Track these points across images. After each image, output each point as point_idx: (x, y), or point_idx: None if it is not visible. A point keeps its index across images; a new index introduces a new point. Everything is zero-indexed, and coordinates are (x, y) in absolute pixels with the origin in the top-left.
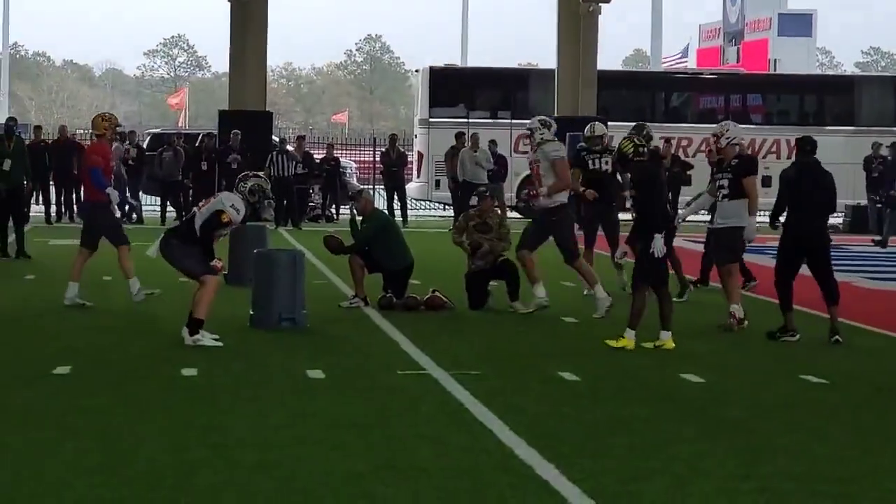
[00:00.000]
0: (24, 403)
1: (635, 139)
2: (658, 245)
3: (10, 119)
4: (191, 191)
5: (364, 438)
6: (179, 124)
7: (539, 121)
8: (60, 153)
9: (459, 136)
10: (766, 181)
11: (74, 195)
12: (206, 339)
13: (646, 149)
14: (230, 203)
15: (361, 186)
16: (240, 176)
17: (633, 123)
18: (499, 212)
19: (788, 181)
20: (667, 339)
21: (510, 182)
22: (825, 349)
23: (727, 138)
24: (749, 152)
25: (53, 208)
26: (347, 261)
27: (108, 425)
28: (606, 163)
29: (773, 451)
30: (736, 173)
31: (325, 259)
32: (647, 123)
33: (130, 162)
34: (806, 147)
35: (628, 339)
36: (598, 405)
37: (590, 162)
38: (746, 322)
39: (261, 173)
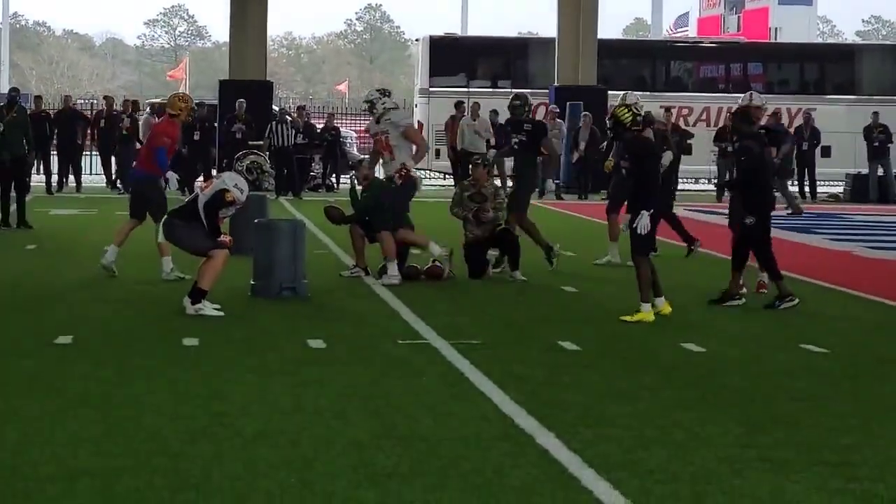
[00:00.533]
0: (25, 373)
1: (633, 108)
2: (643, 222)
3: (13, 89)
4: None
5: (364, 407)
6: None
7: (378, 90)
8: (64, 123)
9: (459, 105)
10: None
11: (92, 163)
12: (208, 308)
13: (641, 118)
14: (233, 183)
15: (362, 156)
16: (237, 155)
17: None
18: (497, 182)
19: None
20: (662, 306)
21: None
22: (826, 319)
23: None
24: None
25: (55, 178)
26: (348, 231)
27: (109, 394)
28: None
29: (773, 419)
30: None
31: (325, 229)
32: (636, 93)
33: (125, 132)
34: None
35: (645, 313)
36: (599, 374)
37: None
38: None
39: (257, 150)
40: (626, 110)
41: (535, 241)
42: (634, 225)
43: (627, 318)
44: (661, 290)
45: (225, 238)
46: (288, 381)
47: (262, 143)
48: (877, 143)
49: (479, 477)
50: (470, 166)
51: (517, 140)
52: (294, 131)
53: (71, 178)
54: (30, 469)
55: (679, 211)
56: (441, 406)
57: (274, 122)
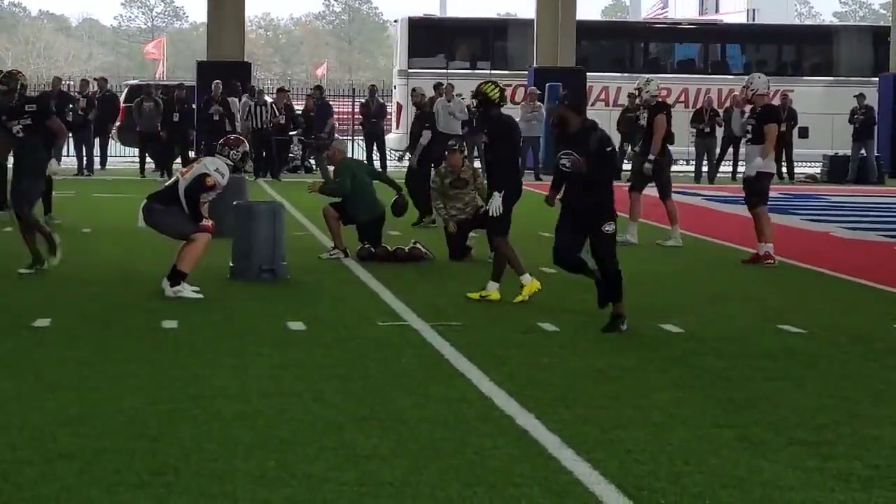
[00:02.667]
0: (3, 355)
1: (500, 84)
2: (495, 204)
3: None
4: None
5: (344, 389)
6: (157, 75)
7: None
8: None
9: (438, 86)
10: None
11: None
12: (187, 290)
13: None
14: (214, 167)
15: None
16: (224, 140)
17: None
18: (475, 165)
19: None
20: (492, 291)
21: None
22: (803, 299)
23: (752, 90)
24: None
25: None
26: (321, 213)
27: (88, 377)
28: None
29: (751, 399)
30: (759, 121)
31: (304, 210)
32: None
33: (80, 112)
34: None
35: (528, 285)
36: (578, 355)
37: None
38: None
39: (241, 136)
40: (494, 87)
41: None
42: (487, 207)
43: (519, 297)
44: (500, 276)
45: (207, 223)
46: (267, 363)
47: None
48: (857, 125)
49: (459, 458)
50: (447, 152)
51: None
52: (272, 113)
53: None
54: (8, 451)
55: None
56: (421, 387)
57: (252, 104)
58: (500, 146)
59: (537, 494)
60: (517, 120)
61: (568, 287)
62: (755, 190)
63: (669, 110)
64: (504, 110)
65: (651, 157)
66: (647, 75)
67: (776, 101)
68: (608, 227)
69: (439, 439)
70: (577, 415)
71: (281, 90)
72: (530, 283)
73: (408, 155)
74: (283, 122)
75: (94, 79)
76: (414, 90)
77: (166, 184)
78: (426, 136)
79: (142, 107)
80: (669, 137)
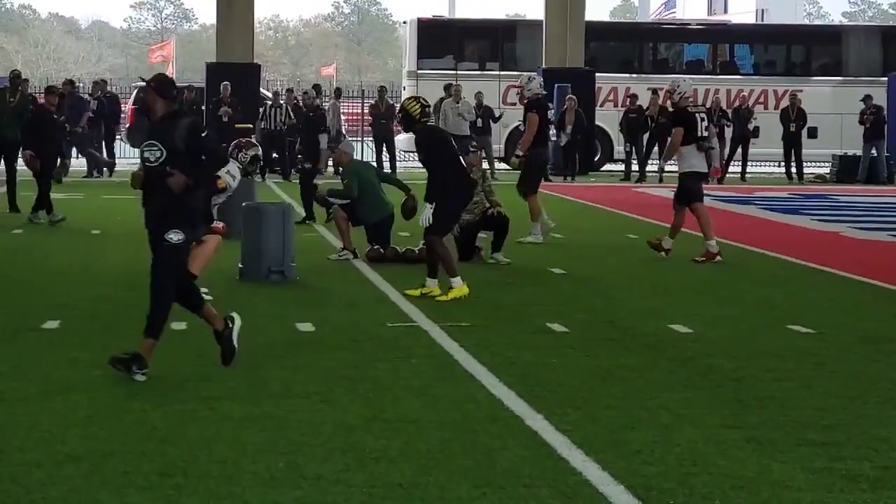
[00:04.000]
0: (12, 358)
1: (421, 99)
2: (425, 216)
3: (15, 71)
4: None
5: (353, 391)
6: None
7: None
8: (69, 107)
9: (448, 87)
10: (756, 132)
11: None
12: None
13: (429, 109)
14: (226, 170)
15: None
16: (235, 143)
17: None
18: (485, 166)
19: None
20: (432, 287)
21: (497, 134)
22: (813, 300)
23: (679, 93)
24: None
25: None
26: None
27: (97, 378)
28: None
29: (760, 400)
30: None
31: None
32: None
33: (90, 115)
34: None
35: (457, 288)
36: (587, 356)
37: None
38: (720, 258)
39: (244, 133)
40: (415, 102)
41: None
42: (420, 219)
43: (443, 297)
44: (436, 272)
45: (218, 225)
46: (276, 365)
47: (249, 125)
48: (868, 125)
49: (468, 459)
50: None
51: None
52: (286, 115)
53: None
54: (16, 453)
55: (665, 192)
56: (430, 388)
57: (267, 106)
58: (429, 160)
59: (546, 496)
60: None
61: (579, 287)
62: (688, 188)
63: (546, 109)
64: (516, 111)
65: (519, 152)
66: (530, 73)
67: (786, 102)
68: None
69: (448, 440)
70: (585, 415)
71: (290, 91)
72: (459, 287)
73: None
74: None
75: (95, 81)
76: (305, 93)
77: None
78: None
79: None
80: (543, 137)
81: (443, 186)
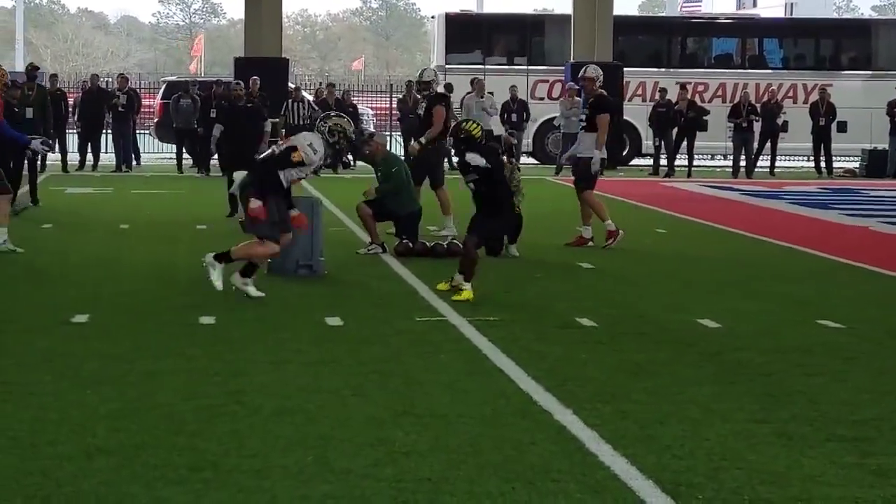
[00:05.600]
0: (41, 352)
1: (478, 121)
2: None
3: (31, 65)
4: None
5: (383, 385)
6: (193, 71)
7: None
8: (90, 102)
9: (475, 82)
10: (785, 126)
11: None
12: (252, 289)
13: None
14: (308, 141)
15: (371, 130)
16: (321, 115)
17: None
18: (514, 161)
19: None
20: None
21: (528, 128)
22: (842, 294)
23: (584, 76)
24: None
25: (76, 157)
26: (356, 210)
27: (127, 372)
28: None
29: (789, 395)
30: (593, 110)
31: (342, 206)
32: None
33: (120, 109)
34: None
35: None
36: (616, 350)
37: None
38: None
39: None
40: (476, 125)
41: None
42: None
43: (457, 297)
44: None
45: (296, 214)
46: (305, 359)
47: (276, 120)
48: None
49: (497, 454)
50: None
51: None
52: (309, 109)
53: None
54: (48, 447)
55: (693, 187)
56: (459, 383)
57: (290, 100)
58: (492, 179)
59: (575, 490)
60: (556, 115)
61: (608, 282)
62: (584, 175)
63: (448, 101)
64: (543, 105)
65: (422, 140)
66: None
67: (815, 96)
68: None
69: (478, 435)
70: (614, 410)
71: (330, 86)
72: (468, 292)
73: None
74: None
75: (121, 75)
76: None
77: (263, 158)
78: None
79: (179, 103)
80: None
81: (501, 204)
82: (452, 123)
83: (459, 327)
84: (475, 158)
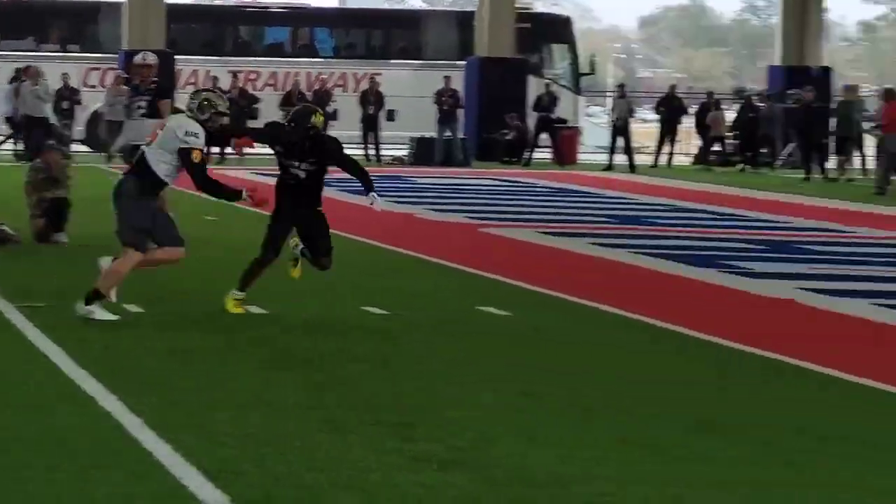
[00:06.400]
0: None
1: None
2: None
3: None
4: None
5: None
6: None
7: None
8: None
9: (29, 69)
10: (335, 115)
11: None
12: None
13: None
14: (183, 131)
15: None
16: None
17: (205, 57)
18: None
19: None
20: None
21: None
22: (382, 281)
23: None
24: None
25: None
26: None
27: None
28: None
29: (337, 381)
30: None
31: None
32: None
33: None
34: None
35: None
36: (162, 336)
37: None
38: None
39: None
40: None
41: None
42: None
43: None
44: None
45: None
46: None
47: None
48: (446, 108)
49: (42, 441)
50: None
51: None
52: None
53: None
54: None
55: (240, 174)
56: (3, 370)
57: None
58: None
59: (119, 477)
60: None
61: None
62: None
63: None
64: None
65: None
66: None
67: (365, 85)
68: None
69: (23, 422)
70: (162, 397)
71: None
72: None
73: None
74: None
75: None
76: None
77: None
78: None
79: None
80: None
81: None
82: None
83: (6, 313)
84: None
